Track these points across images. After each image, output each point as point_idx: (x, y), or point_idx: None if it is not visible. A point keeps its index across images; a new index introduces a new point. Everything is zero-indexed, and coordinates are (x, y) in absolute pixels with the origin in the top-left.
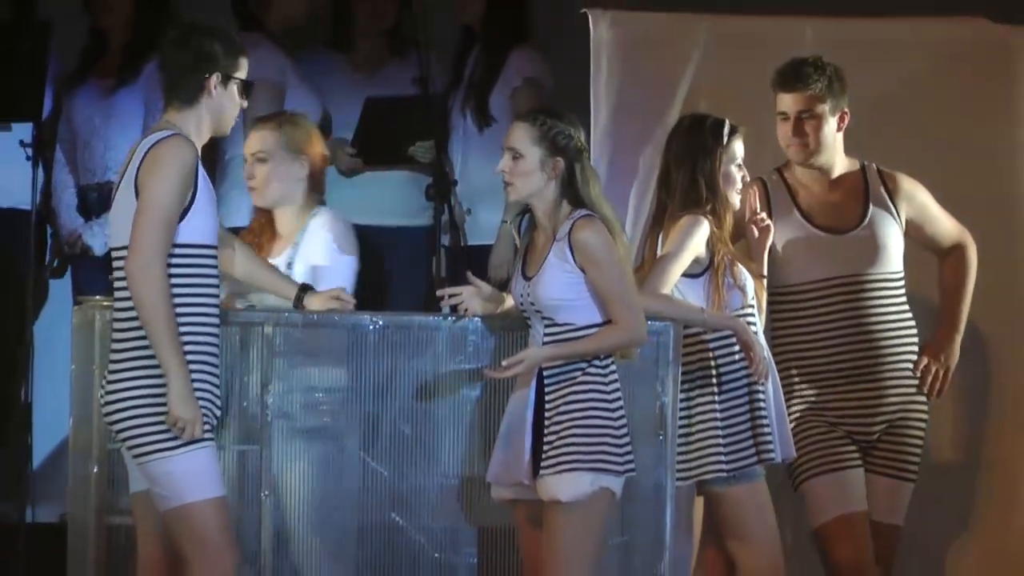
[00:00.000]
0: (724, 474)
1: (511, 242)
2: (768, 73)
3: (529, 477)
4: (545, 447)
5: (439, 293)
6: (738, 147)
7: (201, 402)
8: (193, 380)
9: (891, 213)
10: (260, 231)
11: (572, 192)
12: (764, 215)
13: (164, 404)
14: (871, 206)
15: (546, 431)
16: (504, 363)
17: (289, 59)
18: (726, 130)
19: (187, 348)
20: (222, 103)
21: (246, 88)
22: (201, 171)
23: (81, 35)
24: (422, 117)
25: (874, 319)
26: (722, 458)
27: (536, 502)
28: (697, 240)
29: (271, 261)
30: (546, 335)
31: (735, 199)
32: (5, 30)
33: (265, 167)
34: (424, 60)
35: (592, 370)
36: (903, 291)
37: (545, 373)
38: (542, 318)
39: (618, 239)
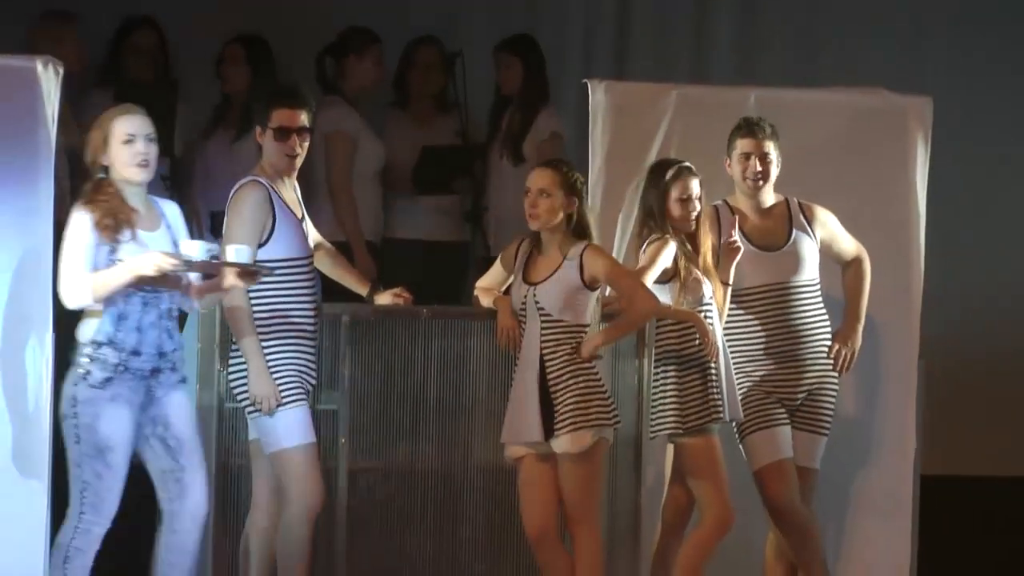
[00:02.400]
0: (682, 430)
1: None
2: (722, 129)
3: (542, 436)
4: (555, 412)
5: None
6: (683, 184)
7: (288, 376)
8: (285, 360)
9: (809, 235)
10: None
11: (578, 224)
12: (736, 239)
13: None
14: (794, 230)
15: (553, 399)
16: (584, 351)
17: (360, 115)
18: (669, 173)
19: (278, 337)
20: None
21: (280, 133)
22: (277, 201)
23: (213, 96)
24: (463, 160)
25: (798, 315)
26: (690, 416)
27: (546, 455)
28: (665, 256)
29: None
30: (544, 328)
31: (689, 224)
32: (145, 87)
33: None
34: (463, 117)
35: (576, 344)
36: (819, 294)
37: (544, 353)
38: (541, 316)
39: None
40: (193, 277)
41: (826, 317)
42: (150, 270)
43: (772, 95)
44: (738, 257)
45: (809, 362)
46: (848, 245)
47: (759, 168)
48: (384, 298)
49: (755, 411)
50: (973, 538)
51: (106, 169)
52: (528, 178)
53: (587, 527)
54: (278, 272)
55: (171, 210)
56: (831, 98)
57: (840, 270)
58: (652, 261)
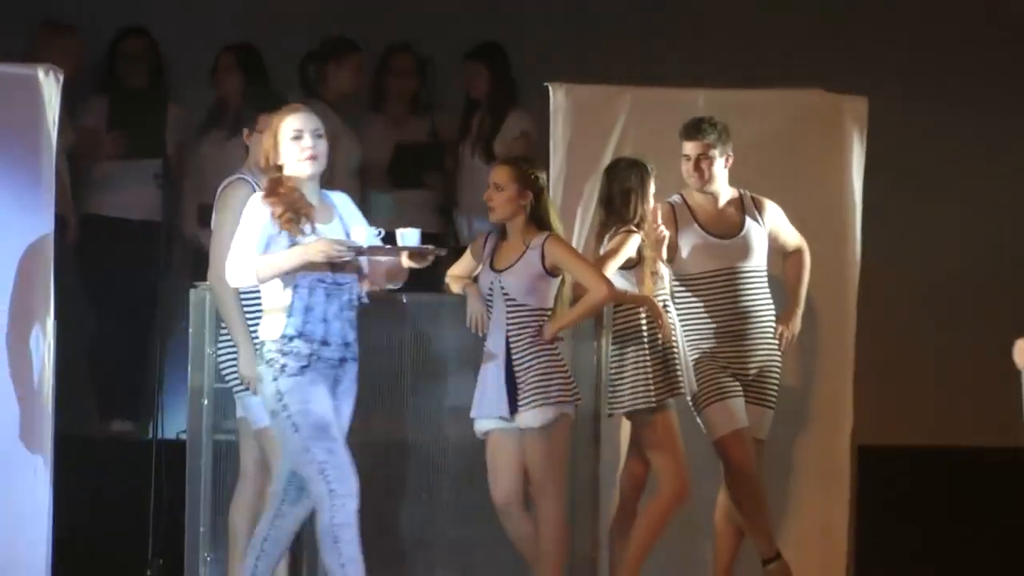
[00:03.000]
0: (651, 404)
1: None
2: (673, 127)
3: (507, 412)
4: (519, 389)
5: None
6: (642, 180)
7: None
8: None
9: (759, 225)
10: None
11: (538, 216)
12: (662, 227)
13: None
14: (747, 220)
15: (517, 378)
16: (547, 333)
17: (340, 117)
18: (632, 171)
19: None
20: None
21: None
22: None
23: (208, 99)
24: (435, 157)
25: (747, 297)
26: (650, 392)
27: (512, 429)
28: (629, 247)
29: None
30: (509, 312)
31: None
32: (137, 92)
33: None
34: (433, 119)
35: (539, 327)
36: (766, 279)
37: (510, 335)
38: (507, 301)
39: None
40: (364, 263)
41: (771, 300)
42: (318, 256)
43: (719, 96)
44: (664, 242)
45: (758, 341)
46: (791, 237)
47: (699, 169)
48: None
49: (711, 384)
50: (906, 504)
51: (280, 168)
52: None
53: (550, 497)
54: None
55: (341, 201)
56: (773, 98)
57: (782, 259)
58: (616, 251)
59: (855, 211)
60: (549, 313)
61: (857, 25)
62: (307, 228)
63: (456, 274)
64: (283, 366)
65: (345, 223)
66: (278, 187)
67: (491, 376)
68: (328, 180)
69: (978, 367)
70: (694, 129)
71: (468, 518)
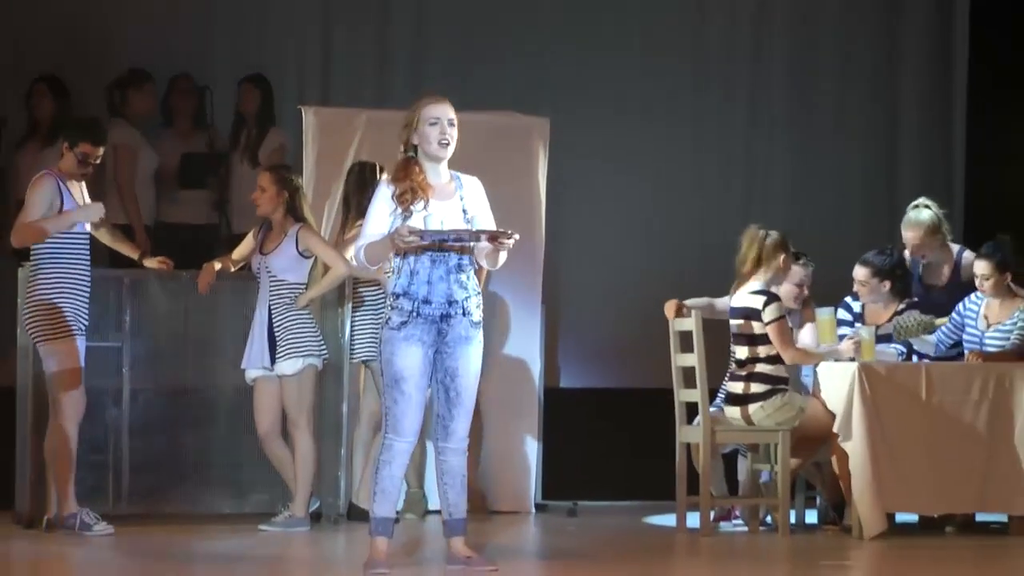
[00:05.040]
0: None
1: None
2: (397, 141)
3: (269, 363)
4: (276, 345)
5: None
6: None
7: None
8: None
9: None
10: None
11: (292, 211)
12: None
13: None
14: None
15: (277, 336)
16: (300, 302)
17: (139, 132)
18: (379, 173)
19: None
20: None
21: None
22: (64, 190)
23: (24, 120)
24: (213, 164)
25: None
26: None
27: (272, 376)
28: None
29: None
30: (272, 286)
31: None
32: None
33: (265, 194)
34: (212, 134)
35: (294, 297)
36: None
37: (272, 303)
38: (270, 277)
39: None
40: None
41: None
42: (396, 245)
43: None
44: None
45: None
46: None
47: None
48: (151, 263)
49: None
50: (582, 433)
51: (415, 148)
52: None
53: (302, 429)
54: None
55: (470, 183)
56: (477, 118)
57: None
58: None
59: (541, 207)
60: (303, 286)
61: (544, 56)
62: (419, 204)
63: (235, 257)
64: (388, 319)
65: (466, 203)
66: (402, 170)
67: (257, 335)
68: (129, 183)
69: (642, 325)
70: None
71: (240, 448)
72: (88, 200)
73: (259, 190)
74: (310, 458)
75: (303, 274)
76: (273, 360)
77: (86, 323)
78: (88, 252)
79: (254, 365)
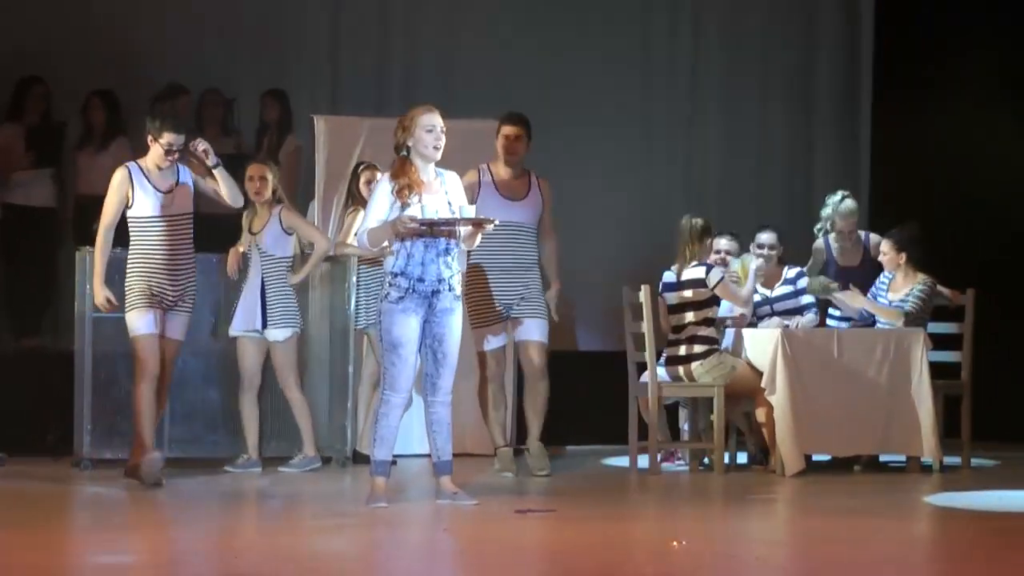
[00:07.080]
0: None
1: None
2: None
3: (260, 327)
4: (268, 311)
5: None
6: (369, 174)
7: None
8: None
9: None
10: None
11: (275, 195)
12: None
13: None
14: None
15: (267, 305)
16: (292, 279)
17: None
18: (361, 168)
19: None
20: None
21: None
22: (137, 179)
23: (79, 126)
24: (238, 165)
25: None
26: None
27: (256, 337)
28: (356, 220)
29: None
30: (263, 261)
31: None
32: (38, 129)
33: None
34: (238, 139)
35: (286, 268)
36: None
37: (264, 276)
38: (260, 253)
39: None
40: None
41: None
42: (397, 231)
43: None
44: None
45: (531, 283)
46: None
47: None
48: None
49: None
50: (556, 390)
51: (408, 149)
52: None
53: (292, 387)
54: (134, 229)
55: (451, 178)
56: (459, 124)
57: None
58: (352, 224)
59: None
60: (291, 260)
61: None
62: (414, 199)
63: (242, 242)
64: (387, 294)
65: (449, 195)
66: (400, 169)
67: (249, 302)
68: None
69: (604, 300)
70: (517, 117)
71: (226, 408)
72: (174, 184)
73: (260, 180)
74: (305, 407)
75: (288, 249)
76: (264, 325)
77: (162, 297)
78: (161, 234)
79: (243, 329)
